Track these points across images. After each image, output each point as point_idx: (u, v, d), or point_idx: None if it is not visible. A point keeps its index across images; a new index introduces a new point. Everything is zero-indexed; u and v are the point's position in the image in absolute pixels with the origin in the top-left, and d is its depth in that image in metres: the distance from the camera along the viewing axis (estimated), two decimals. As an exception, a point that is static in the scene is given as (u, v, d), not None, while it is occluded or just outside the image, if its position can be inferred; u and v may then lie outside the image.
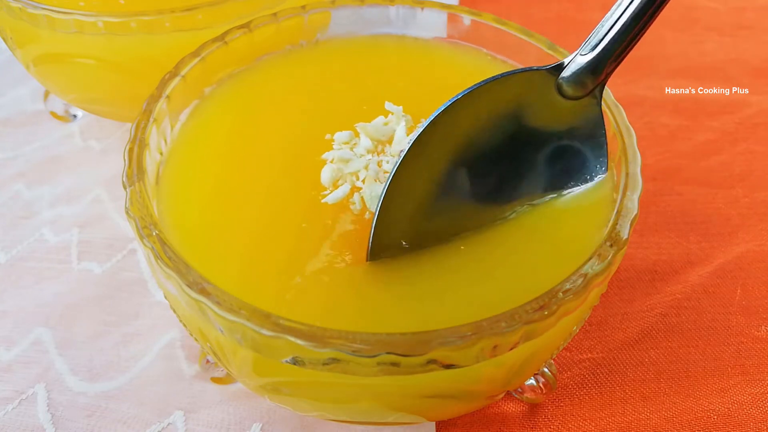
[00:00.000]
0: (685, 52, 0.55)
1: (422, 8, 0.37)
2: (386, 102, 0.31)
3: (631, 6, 0.27)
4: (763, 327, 0.38)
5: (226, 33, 0.34)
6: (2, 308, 0.38)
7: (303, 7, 0.36)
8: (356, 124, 0.31)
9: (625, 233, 0.26)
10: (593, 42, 0.28)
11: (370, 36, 0.38)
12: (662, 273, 0.40)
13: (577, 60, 0.29)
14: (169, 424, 0.33)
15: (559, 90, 0.29)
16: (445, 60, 0.37)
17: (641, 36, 0.28)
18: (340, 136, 0.31)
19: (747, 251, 0.41)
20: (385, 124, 0.31)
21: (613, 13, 0.28)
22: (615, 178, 0.30)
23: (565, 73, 0.29)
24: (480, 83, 0.28)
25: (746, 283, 0.39)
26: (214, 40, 0.34)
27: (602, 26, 0.28)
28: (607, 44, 0.28)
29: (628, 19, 0.27)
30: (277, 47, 0.37)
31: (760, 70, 0.54)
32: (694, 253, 0.41)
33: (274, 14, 0.35)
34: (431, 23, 0.37)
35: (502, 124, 0.29)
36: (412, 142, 0.27)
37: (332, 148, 0.31)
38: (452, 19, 0.37)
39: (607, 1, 0.63)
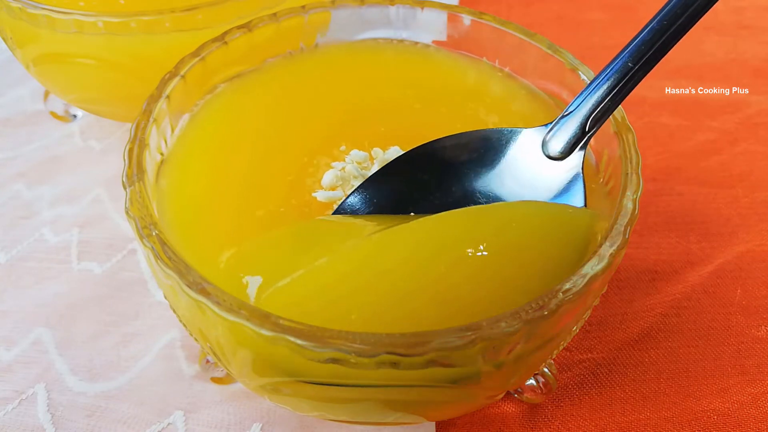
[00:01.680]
0: (685, 52, 0.55)
1: (422, 8, 0.37)
2: (395, 147, 0.32)
3: (608, 78, 0.28)
4: (763, 327, 0.38)
5: (226, 33, 0.34)
6: (2, 308, 0.38)
7: (303, 7, 0.36)
8: (373, 150, 0.32)
9: (625, 233, 0.26)
10: (572, 108, 0.29)
11: (370, 40, 0.38)
12: (662, 273, 0.40)
13: (560, 124, 0.30)
14: (169, 424, 0.33)
15: (544, 150, 0.30)
16: (448, 67, 0.37)
17: (616, 106, 0.29)
18: (356, 155, 0.32)
19: (747, 251, 0.41)
20: None
21: (593, 83, 0.29)
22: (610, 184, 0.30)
23: (549, 136, 0.30)
24: (472, 132, 0.31)
25: (746, 283, 0.39)
26: (214, 40, 0.34)
27: (581, 95, 0.29)
28: (584, 115, 0.29)
29: (604, 90, 0.29)
30: (277, 47, 0.37)
31: (760, 70, 0.54)
32: (694, 253, 0.41)
33: (274, 14, 0.35)
34: (431, 23, 0.37)
35: (482, 168, 0.31)
36: (397, 157, 0.30)
37: (331, 154, 0.32)
38: (452, 19, 0.37)
39: (607, 2, 0.64)
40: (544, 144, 0.30)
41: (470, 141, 0.31)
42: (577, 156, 0.29)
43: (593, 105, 0.29)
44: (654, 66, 0.28)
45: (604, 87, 0.29)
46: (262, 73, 0.36)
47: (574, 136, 0.29)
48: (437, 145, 0.31)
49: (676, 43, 0.27)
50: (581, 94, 0.29)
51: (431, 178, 0.30)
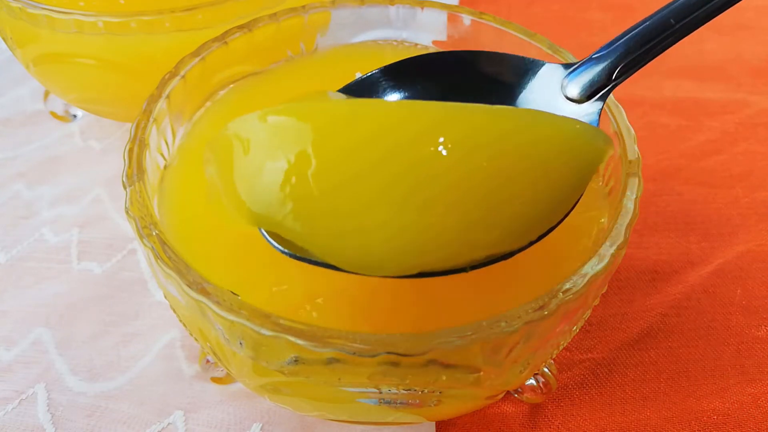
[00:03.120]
0: (685, 52, 0.55)
1: (422, 8, 0.37)
2: None
3: (645, 30, 0.28)
4: (763, 327, 0.38)
5: (226, 33, 0.34)
6: (2, 308, 0.38)
7: (303, 7, 0.36)
8: None
9: (625, 233, 0.26)
10: (602, 52, 0.28)
11: (371, 42, 0.38)
12: (662, 273, 0.40)
13: (587, 65, 0.29)
14: (169, 424, 0.33)
15: (564, 90, 0.29)
16: None
17: (659, 50, 0.28)
18: None
19: (747, 251, 0.41)
20: None
21: (628, 32, 0.28)
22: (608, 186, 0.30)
23: (573, 72, 0.29)
24: (492, 53, 0.30)
25: (746, 283, 0.39)
26: (214, 40, 0.34)
27: (613, 42, 0.28)
28: (620, 51, 0.28)
29: (639, 40, 0.28)
30: (278, 47, 0.37)
31: (760, 70, 0.54)
32: (694, 253, 0.41)
33: (274, 14, 0.35)
34: (431, 23, 0.37)
35: (495, 87, 0.30)
36: (410, 58, 0.30)
37: None
38: (452, 19, 0.37)
39: (607, 2, 0.64)
40: (564, 82, 0.29)
41: (489, 59, 0.30)
42: (595, 105, 0.28)
43: (624, 53, 0.28)
44: (695, 29, 0.27)
45: (639, 38, 0.28)
46: (264, 77, 0.36)
47: (598, 81, 0.28)
48: (455, 57, 0.30)
49: (722, 12, 0.26)
50: (614, 40, 0.28)
51: (440, 85, 0.30)
